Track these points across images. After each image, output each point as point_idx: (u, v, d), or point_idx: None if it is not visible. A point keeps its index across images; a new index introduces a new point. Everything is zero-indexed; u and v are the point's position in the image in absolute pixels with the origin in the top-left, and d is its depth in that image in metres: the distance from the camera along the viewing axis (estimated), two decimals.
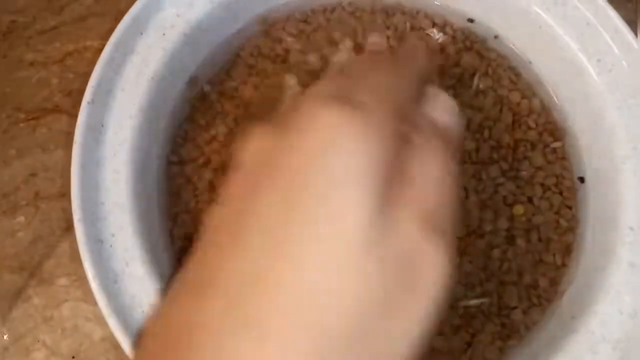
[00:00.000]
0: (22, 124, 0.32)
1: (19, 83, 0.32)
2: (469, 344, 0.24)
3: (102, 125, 0.23)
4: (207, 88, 0.27)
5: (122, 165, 0.23)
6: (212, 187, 0.26)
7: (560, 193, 0.27)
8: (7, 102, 0.32)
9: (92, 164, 0.22)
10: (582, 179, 0.26)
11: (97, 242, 0.21)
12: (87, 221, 0.21)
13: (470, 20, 0.29)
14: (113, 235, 0.22)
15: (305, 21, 0.29)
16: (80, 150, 0.22)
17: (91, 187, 0.22)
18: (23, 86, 0.32)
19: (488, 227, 0.26)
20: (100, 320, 0.28)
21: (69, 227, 0.30)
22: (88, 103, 0.22)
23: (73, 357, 0.28)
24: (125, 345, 0.20)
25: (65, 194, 0.30)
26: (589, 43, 0.25)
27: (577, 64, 0.26)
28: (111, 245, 0.22)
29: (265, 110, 0.27)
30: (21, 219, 0.30)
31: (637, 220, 0.23)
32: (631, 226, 0.23)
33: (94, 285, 0.20)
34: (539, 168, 0.27)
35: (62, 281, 0.29)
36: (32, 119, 0.32)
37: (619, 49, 0.25)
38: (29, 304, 0.29)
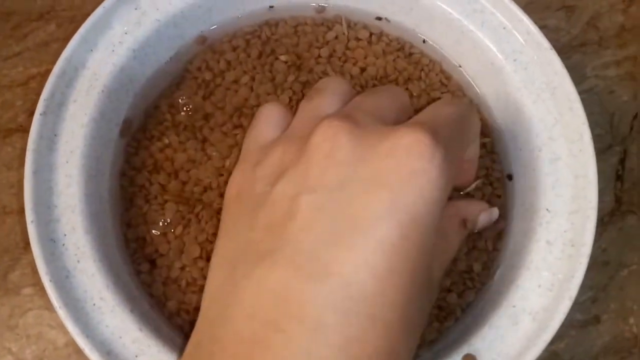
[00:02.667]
0: None
1: None
2: None
3: (55, 135, 0.25)
4: (157, 100, 0.29)
5: (74, 170, 0.24)
6: (164, 191, 0.27)
7: (491, 184, 0.29)
8: None
9: (44, 170, 0.24)
10: (510, 177, 0.28)
11: (50, 242, 0.23)
12: (39, 222, 0.23)
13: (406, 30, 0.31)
14: (65, 235, 0.23)
15: (252, 35, 0.31)
16: (33, 157, 0.23)
17: (44, 191, 0.24)
18: None
19: None
20: (64, 327, 0.30)
21: None
22: (40, 114, 0.24)
23: None
24: (76, 335, 0.22)
25: None
26: (506, 45, 0.28)
27: (497, 64, 0.28)
28: (63, 244, 0.23)
29: (224, 119, 0.29)
30: None
31: (552, 202, 0.25)
32: (547, 208, 0.25)
33: (45, 280, 0.22)
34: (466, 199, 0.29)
35: (27, 291, 0.31)
36: None
37: (532, 49, 0.27)
38: None
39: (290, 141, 0.22)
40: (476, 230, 0.26)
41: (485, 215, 0.26)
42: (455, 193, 0.27)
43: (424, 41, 0.30)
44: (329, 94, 0.24)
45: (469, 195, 0.28)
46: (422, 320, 0.21)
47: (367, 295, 0.17)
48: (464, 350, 0.23)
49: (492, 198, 0.28)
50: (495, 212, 0.26)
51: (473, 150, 0.24)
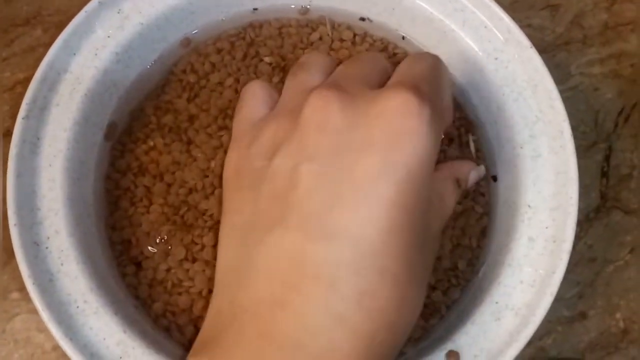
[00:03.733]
0: None
1: None
2: None
3: (38, 139, 0.25)
4: (142, 103, 0.29)
5: (57, 174, 0.24)
6: (149, 193, 0.28)
7: (476, 183, 0.29)
8: None
9: (27, 174, 0.24)
10: (494, 178, 0.28)
11: (33, 245, 0.23)
12: (22, 225, 0.23)
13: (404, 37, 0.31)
14: (48, 238, 0.23)
15: (236, 38, 0.31)
16: (16, 161, 0.24)
17: (27, 194, 0.24)
18: None
19: None
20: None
21: None
22: (22, 118, 0.24)
23: None
24: (60, 338, 0.22)
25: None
26: (487, 44, 0.28)
27: (478, 63, 0.28)
28: (47, 247, 0.23)
29: (208, 121, 0.29)
30: None
31: (533, 198, 0.25)
32: (529, 204, 0.25)
33: (28, 283, 0.22)
34: (457, 159, 0.29)
35: (14, 295, 0.31)
36: None
37: (513, 47, 0.27)
38: None
39: (281, 116, 0.23)
40: (467, 188, 0.27)
41: (474, 173, 0.27)
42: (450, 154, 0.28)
43: (403, 38, 0.31)
44: (312, 67, 0.26)
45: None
46: (426, 272, 0.22)
47: (374, 249, 0.19)
48: (448, 346, 0.23)
49: (476, 196, 0.28)
50: (482, 169, 0.27)
51: (447, 97, 0.25)
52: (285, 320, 0.18)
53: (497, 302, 0.24)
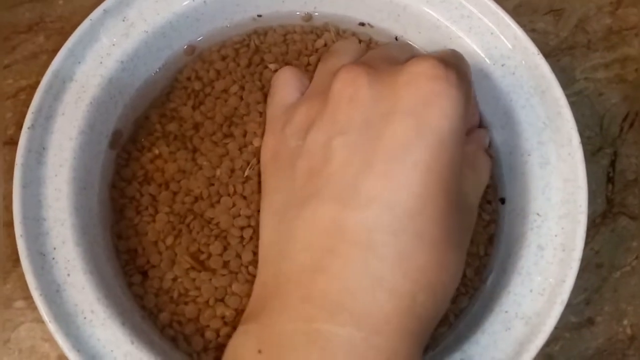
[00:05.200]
0: None
1: None
2: None
3: (44, 148, 0.24)
4: (147, 111, 0.29)
5: (63, 183, 0.24)
6: (155, 202, 0.27)
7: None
8: None
9: (33, 184, 0.24)
10: (502, 200, 0.28)
11: (39, 255, 0.23)
12: (28, 236, 0.23)
13: (396, 38, 0.31)
14: (55, 248, 0.23)
15: (240, 45, 0.31)
16: (22, 171, 0.23)
17: (33, 204, 0.23)
18: None
19: None
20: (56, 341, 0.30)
21: None
22: (28, 128, 0.24)
23: None
24: (67, 350, 0.21)
25: None
26: (494, 50, 0.28)
27: (485, 69, 0.28)
28: (53, 258, 0.23)
29: (214, 128, 0.29)
30: None
31: (542, 206, 0.25)
32: (538, 212, 0.25)
33: (35, 295, 0.22)
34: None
35: (19, 304, 0.31)
36: None
37: (520, 53, 0.27)
38: None
39: (312, 98, 0.24)
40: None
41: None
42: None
43: (395, 38, 0.31)
44: (342, 53, 0.27)
45: None
46: (465, 238, 0.23)
47: (411, 213, 0.19)
48: (458, 356, 0.23)
49: (483, 204, 0.28)
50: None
51: (471, 92, 0.25)
52: (325, 283, 0.19)
53: (507, 311, 0.23)
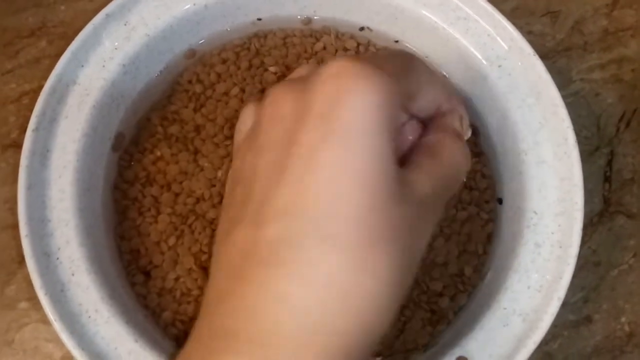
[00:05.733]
0: None
1: None
2: (402, 331, 0.26)
3: (47, 151, 0.25)
4: (149, 113, 0.29)
5: (67, 185, 0.25)
6: (157, 203, 0.28)
7: (479, 189, 0.29)
8: None
9: (38, 185, 0.24)
10: (500, 200, 0.28)
11: (44, 256, 0.23)
12: (33, 237, 0.23)
13: (395, 41, 0.32)
14: (59, 248, 0.23)
15: (241, 48, 0.31)
16: (26, 173, 0.24)
17: (37, 206, 0.24)
18: None
19: None
20: (60, 341, 0.30)
21: None
22: (32, 131, 0.24)
23: None
24: (72, 348, 0.22)
25: None
26: (490, 52, 0.28)
27: (482, 71, 0.28)
28: (57, 258, 0.23)
29: (215, 130, 0.29)
30: None
31: (539, 205, 0.25)
32: (534, 210, 0.25)
33: (40, 294, 0.22)
34: None
35: (23, 305, 0.31)
36: None
37: (516, 55, 0.28)
38: None
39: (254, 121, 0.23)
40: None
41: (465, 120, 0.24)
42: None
43: (396, 41, 0.31)
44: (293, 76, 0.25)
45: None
46: (411, 234, 0.19)
47: (319, 217, 0.18)
48: (457, 352, 0.23)
49: (481, 203, 0.28)
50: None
51: (422, 87, 0.23)
52: (227, 310, 0.18)
53: (505, 308, 0.24)
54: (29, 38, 0.36)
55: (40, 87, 0.35)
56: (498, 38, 0.28)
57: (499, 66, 0.28)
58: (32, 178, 0.24)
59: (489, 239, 0.28)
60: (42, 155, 0.25)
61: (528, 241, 0.25)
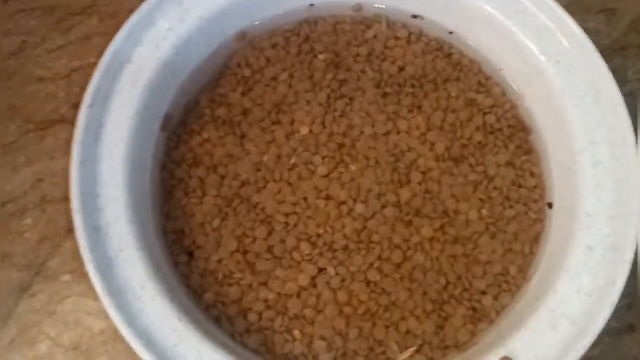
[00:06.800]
0: (31, 134, 0.34)
1: (28, 97, 0.35)
2: (441, 327, 0.26)
3: (101, 126, 0.25)
4: (198, 95, 0.29)
5: (118, 162, 0.25)
6: (203, 185, 0.28)
7: (527, 188, 0.28)
8: (18, 114, 0.35)
9: (90, 161, 0.24)
10: (550, 205, 0.27)
11: (94, 230, 0.23)
12: (84, 211, 0.23)
13: (450, 32, 0.31)
14: (108, 224, 0.24)
15: (291, 33, 0.31)
16: (80, 148, 0.24)
17: (89, 181, 0.24)
18: (32, 99, 0.35)
19: (459, 218, 0.27)
20: (100, 314, 0.30)
21: (72, 228, 0.32)
22: (87, 106, 0.25)
23: (75, 349, 0.30)
24: (119, 323, 0.22)
25: (69, 198, 0.32)
26: (549, 47, 0.27)
27: (538, 66, 0.28)
28: (107, 233, 0.24)
29: (262, 115, 0.29)
30: (28, 220, 0.32)
31: (593, 206, 0.25)
32: (588, 212, 0.25)
33: (89, 268, 0.22)
34: (509, 164, 0.28)
35: (66, 278, 0.31)
36: (40, 129, 0.34)
37: (576, 50, 0.27)
38: (34, 299, 0.31)
39: None
40: None
41: None
42: None
43: (450, 32, 0.30)
44: None
45: None
46: None
47: None
48: (501, 352, 0.23)
49: (529, 202, 0.28)
50: None
51: None
52: None
53: (553, 310, 0.23)
54: (79, 15, 0.37)
55: (90, 65, 0.36)
56: (558, 33, 0.27)
57: (557, 62, 0.27)
58: (85, 153, 0.24)
59: (537, 239, 0.27)
60: (96, 131, 0.25)
61: (580, 243, 0.24)
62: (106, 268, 0.23)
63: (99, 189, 0.24)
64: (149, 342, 0.22)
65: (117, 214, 0.24)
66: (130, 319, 0.22)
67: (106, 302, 0.22)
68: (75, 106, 0.34)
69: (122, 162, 0.25)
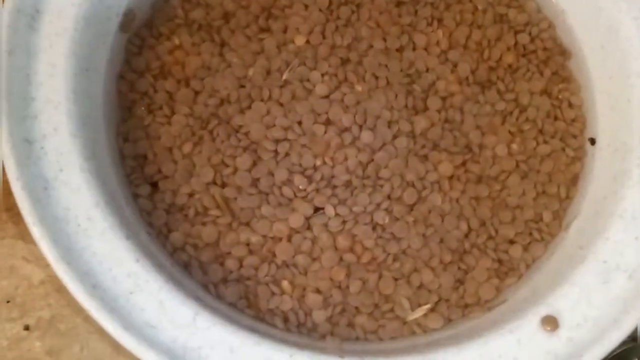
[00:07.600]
0: None
1: None
2: (461, 282, 0.22)
3: (37, 12, 0.19)
4: None
5: (60, 58, 0.19)
6: (172, 101, 0.23)
7: (565, 121, 0.24)
8: None
9: (21, 52, 0.19)
10: (592, 140, 0.23)
11: (24, 142, 0.18)
12: (12, 117, 0.18)
13: None
14: (44, 136, 0.18)
15: None
16: (8, 35, 0.18)
17: (20, 78, 0.19)
18: None
19: (485, 154, 0.23)
20: (41, 261, 0.25)
21: None
22: None
23: (8, 302, 0.25)
24: (55, 261, 0.17)
25: None
26: None
27: None
28: (42, 147, 0.18)
29: (247, 20, 0.24)
30: None
31: None
32: None
33: (16, 188, 0.17)
34: (544, 92, 0.24)
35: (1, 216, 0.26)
36: None
37: None
38: None
39: None
40: None
41: None
42: None
43: None
44: None
45: None
46: None
47: None
48: (542, 310, 0.19)
49: (566, 137, 0.24)
50: None
51: None
52: None
53: (605, 262, 0.19)
54: None
55: None
56: None
57: None
58: (15, 41, 0.19)
59: (575, 180, 0.23)
60: (30, 16, 0.19)
61: (637, 183, 0.20)
62: (41, 191, 0.18)
63: (33, 90, 0.19)
64: (94, 287, 0.17)
65: (56, 125, 0.19)
66: (70, 257, 0.17)
67: (37, 232, 0.17)
68: None
69: (66, 59, 0.19)
